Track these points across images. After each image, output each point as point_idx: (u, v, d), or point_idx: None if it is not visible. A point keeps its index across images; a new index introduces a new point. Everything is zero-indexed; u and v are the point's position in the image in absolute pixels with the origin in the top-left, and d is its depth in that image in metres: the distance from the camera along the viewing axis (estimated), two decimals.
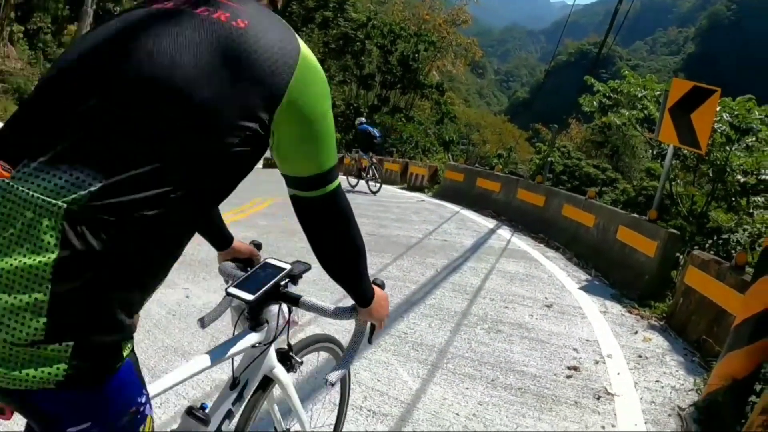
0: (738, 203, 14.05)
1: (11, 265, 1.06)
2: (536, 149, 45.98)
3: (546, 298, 7.00)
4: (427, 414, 3.91)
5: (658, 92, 14.00)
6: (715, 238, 11.28)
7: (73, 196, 1.09)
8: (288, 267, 2.03)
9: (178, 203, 1.21)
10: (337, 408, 2.88)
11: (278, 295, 1.99)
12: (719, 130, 12.08)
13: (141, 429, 1.33)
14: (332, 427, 2.86)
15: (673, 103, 8.24)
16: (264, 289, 1.90)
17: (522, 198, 12.94)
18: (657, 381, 4.94)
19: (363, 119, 19.93)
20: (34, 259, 1.07)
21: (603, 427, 3.98)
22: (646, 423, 4.13)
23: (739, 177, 13.03)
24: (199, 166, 1.23)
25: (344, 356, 1.99)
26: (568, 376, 4.77)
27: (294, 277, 2.05)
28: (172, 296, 5.85)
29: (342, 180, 10.61)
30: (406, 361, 4.72)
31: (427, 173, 19.93)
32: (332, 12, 59.74)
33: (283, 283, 1.99)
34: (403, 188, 19.72)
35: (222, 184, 1.35)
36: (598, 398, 4.42)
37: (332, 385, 1.92)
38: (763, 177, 12.77)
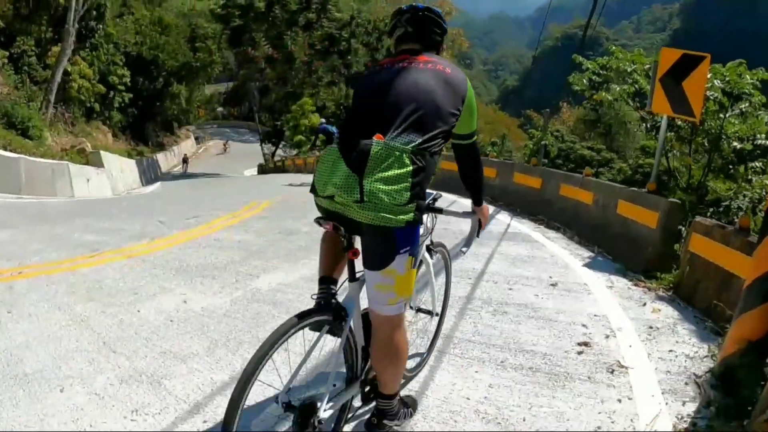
0: (736, 171, 13.96)
1: (393, 173, 2.54)
2: (529, 135, 45.93)
3: (550, 277, 6.87)
4: (436, 401, 3.81)
5: (648, 66, 13.91)
6: (715, 207, 11.20)
7: (413, 145, 2.61)
8: (435, 193, 3.47)
9: (439, 148, 2.77)
10: (443, 297, 4.43)
11: (429, 208, 3.41)
12: (712, 98, 11.96)
13: (417, 254, 3.04)
14: (440, 308, 4.39)
15: (663, 72, 8.11)
16: (426, 201, 3.12)
17: (518, 182, 12.81)
18: (670, 350, 4.83)
19: (323, 120, 26.10)
20: (403, 170, 2.55)
21: (619, 400, 3.87)
22: (663, 393, 4.01)
23: (735, 144, 12.92)
24: (446, 132, 2.80)
25: (467, 240, 3.68)
26: (580, 353, 4.66)
27: (436, 199, 3.46)
28: (170, 303, 5.78)
29: (309, 177, 10.81)
30: (411, 349, 4.60)
31: None
32: (315, 13, 59.56)
33: (431, 201, 3.40)
34: None
35: (446, 141, 2.87)
36: (612, 372, 4.32)
37: (464, 253, 3.65)
38: (759, 142, 12.66)
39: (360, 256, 2.86)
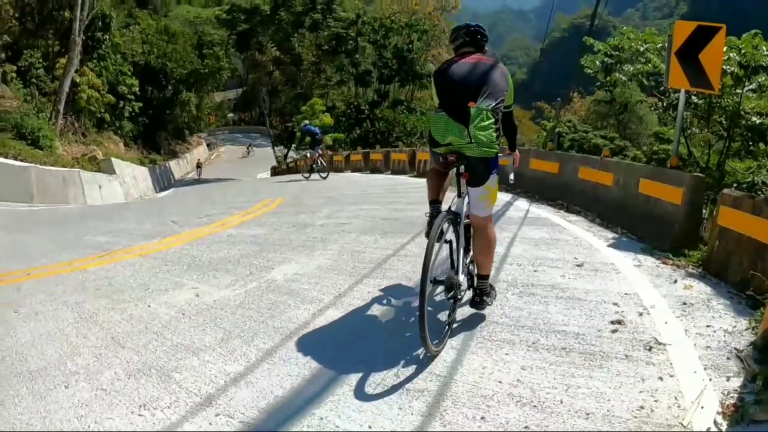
0: (756, 148, 13.64)
1: (484, 124, 4.19)
2: (541, 126, 45.51)
3: (576, 258, 6.60)
4: (467, 385, 3.60)
5: (660, 44, 13.61)
6: (736, 185, 10.90)
7: (491, 106, 4.24)
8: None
9: (501, 110, 4.46)
10: None
11: None
12: (728, 71, 11.62)
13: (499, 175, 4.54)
14: None
15: (678, 46, 7.88)
16: None
17: (535, 167, 12.50)
18: (707, 326, 4.58)
19: (307, 121, 27.55)
20: (489, 122, 4.21)
21: (661, 378, 3.63)
22: (705, 369, 3.78)
23: (754, 119, 12.58)
24: (502, 101, 4.42)
25: (508, 173, 5.52)
26: (614, 331, 4.41)
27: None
28: (182, 297, 5.68)
29: (297, 176, 16.02)
30: (437, 333, 4.39)
31: None
32: (320, 14, 59.52)
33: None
34: (413, 176, 19.36)
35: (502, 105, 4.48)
36: (650, 349, 4.07)
37: (512, 180, 5.78)
38: None
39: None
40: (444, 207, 4.72)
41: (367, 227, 8.84)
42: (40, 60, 33.46)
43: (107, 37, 38.48)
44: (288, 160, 49.99)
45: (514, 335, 4.36)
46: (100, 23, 36.48)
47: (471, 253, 4.72)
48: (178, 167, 52.83)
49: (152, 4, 59.44)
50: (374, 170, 24.47)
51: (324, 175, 21.90)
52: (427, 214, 4.96)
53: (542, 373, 3.72)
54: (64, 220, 13.03)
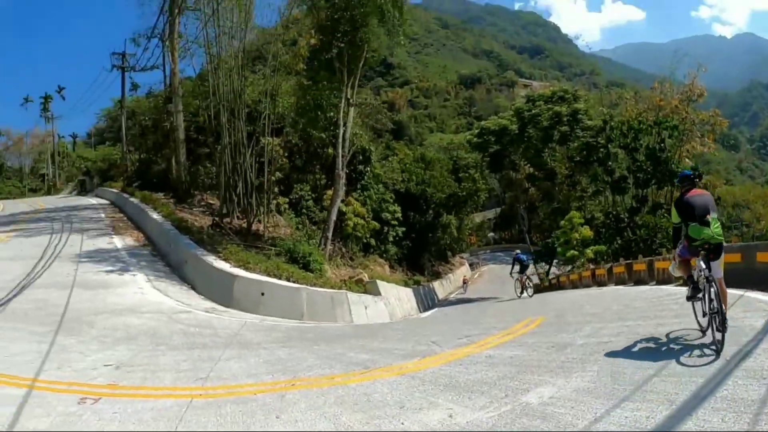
0: None
1: (717, 225, 7.78)
2: None
3: None
4: None
5: None
6: None
7: (716, 216, 7.97)
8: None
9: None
10: None
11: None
12: None
13: None
14: None
15: None
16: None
17: None
18: None
19: (518, 251, 35.84)
20: (718, 224, 7.88)
21: None
22: None
23: None
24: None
25: None
26: None
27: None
28: (435, 416, 5.85)
29: (512, 294, 21.91)
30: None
31: None
32: (567, 125, 60.01)
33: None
34: (679, 285, 17.87)
35: None
36: None
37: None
38: None
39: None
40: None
41: (629, 345, 8.50)
42: (309, 192, 38.25)
43: (368, 168, 42.47)
44: (550, 277, 49.44)
45: None
46: (360, 157, 40.51)
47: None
48: (442, 287, 54.29)
49: (407, 136, 64.07)
50: (638, 281, 23.37)
51: (530, 293, 29.31)
52: (688, 285, 8.26)
53: None
54: (331, 338, 13.95)
